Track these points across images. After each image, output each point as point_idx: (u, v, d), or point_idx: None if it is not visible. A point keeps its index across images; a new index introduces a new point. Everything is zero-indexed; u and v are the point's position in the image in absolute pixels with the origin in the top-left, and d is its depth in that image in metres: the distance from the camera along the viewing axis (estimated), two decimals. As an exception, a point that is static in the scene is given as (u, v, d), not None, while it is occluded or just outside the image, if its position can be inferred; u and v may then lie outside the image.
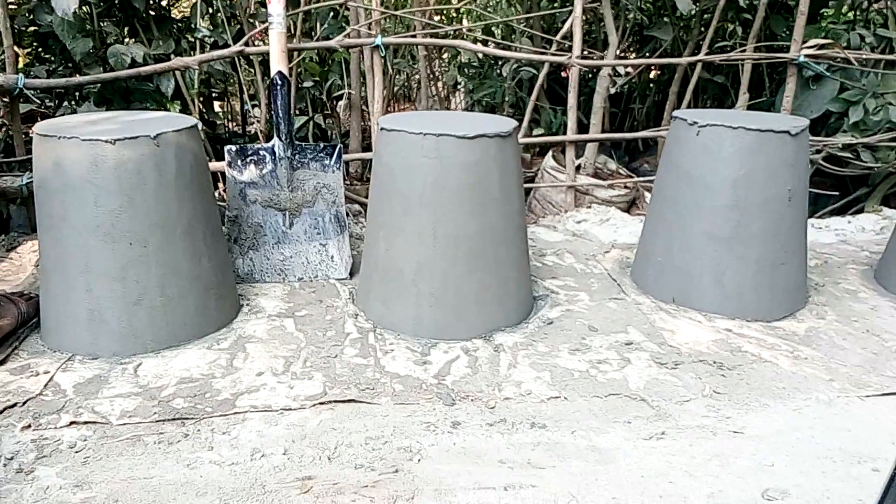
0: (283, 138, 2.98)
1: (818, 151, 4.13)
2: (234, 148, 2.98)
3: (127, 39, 3.94)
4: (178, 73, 3.76)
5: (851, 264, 3.35)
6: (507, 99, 4.67)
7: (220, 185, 3.76)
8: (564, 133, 4.07)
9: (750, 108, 4.39)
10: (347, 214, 3.55)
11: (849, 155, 4.09)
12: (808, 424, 2.02)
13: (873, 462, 1.86)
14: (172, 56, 3.68)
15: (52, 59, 3.89)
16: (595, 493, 1.71)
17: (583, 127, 4.33)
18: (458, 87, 5.36)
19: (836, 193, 4.30)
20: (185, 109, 3.88)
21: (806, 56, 3.95)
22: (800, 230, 2.75)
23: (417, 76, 4.61)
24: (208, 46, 3.98)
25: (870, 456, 1.89)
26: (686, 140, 2.73)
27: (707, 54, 4.16)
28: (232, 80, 4.84)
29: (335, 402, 2.05)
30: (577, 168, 4.15)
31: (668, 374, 2.26)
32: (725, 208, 2.63)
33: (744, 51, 4.15)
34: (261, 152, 3.00)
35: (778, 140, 2.57)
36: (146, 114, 2.62)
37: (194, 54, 3.72)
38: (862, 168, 4.14)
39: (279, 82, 2.97)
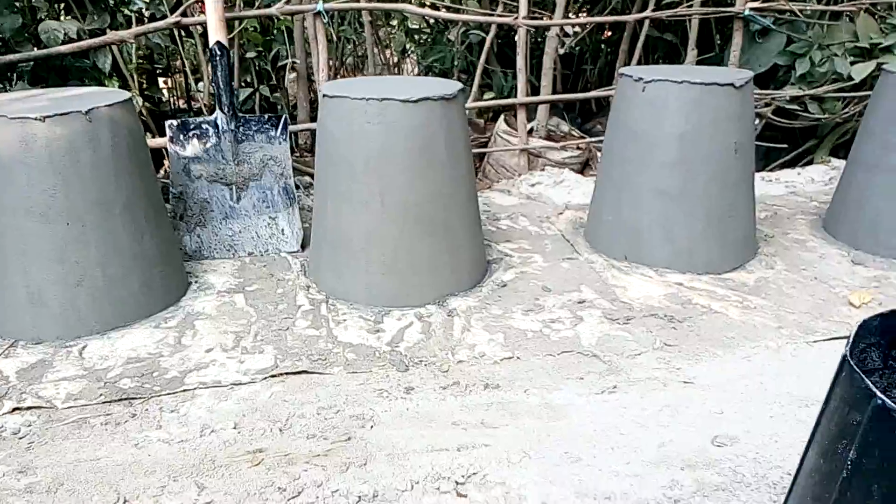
0: (226, 110, 2.91)
1: (767, 105, 4.17)
2: (175, 122, 2.90)
3: (60, 15, 3.80)
4: (115, 48, 3.64)
5: (800, 215, 3.40)
6: (456, 64, 4.62)
7: (166, 162, 3.67)
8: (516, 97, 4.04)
9: (699, 64, 4.40)
10: (297, 187, 3.49)
11: (797, 107, 4.13)
12: (757, 372, 2.06)
13: (819, 405, 1.89)
14: (108, 31, 3.55)
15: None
16: (547, 448, 1.71)
17: (535, 90, 4.30)
18: (408, 53, 5.28)
19: (786, 146, 4.35)
20: (124, 86, 3.76)
21: (752, 10, 3.96)
22: (747, 182, 2.78)
23: (365, 44, 4.53)
24: (146, 19, 3.86)
25: (817, 399, 1.92)
26: (632, 97, 2.72)
27: (654, 10, 4.14)
28: (175, 55, 4.72)
29: (286, 374, 2.03)
30: (530, 131, 4.14)
31: (620, 330, 2.27)
32: (672, 164, 2.64)
33: (690, 6, 4.15)
34: (203, 126, 2.92)
35: (722, 93, 2.58)
36: (78, 89, 2.53)
37: (131, 28, 3.60)
38: (810, 120, 4.19)
39: (218, 53, 2.89)
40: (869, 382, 0.74)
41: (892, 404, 0.73)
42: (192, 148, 2.91)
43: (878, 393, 0.74)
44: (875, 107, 2.98)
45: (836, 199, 3.16)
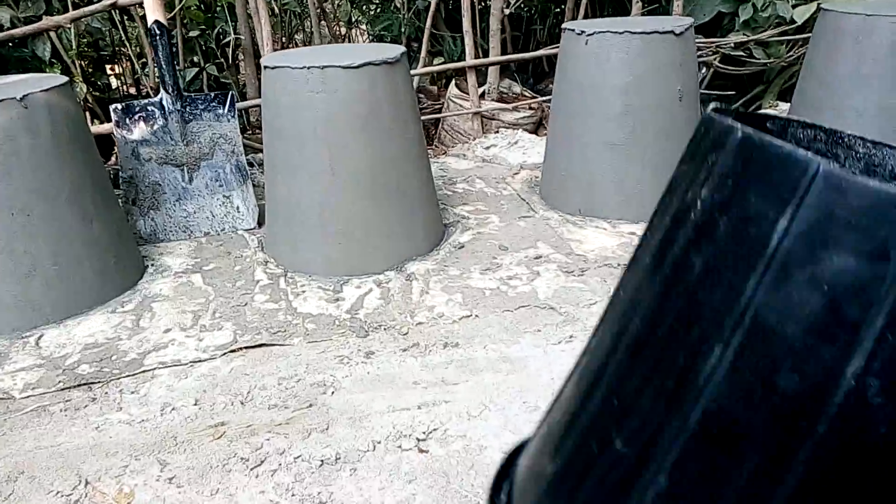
0: (171, 91, 2.87)
1: (714, 54, 4.20)
2: (119, 106, 2.85)
3: (-7, 4, 3.69)
4: (54, 35, 3.56)
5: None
6: (404, 31, 4.58)
7: (116, 147, 3.61)
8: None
9: (644, 16, 4.41)
10: (251, 164, 3.47)
11: (742, 54, 4.17)
12: (709, 312, 2.10)
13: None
14: (44, 17, 3.47)
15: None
16: (506, 399, 1.75)
17: (485, 53, 4.29)
18: (355, 24, 5.22)
19: (734, 93, 4.40)
20: (66, 73, 3.68)
21: (693, -41, 3.98)
22: (693, 128, 2.81)
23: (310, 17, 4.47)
24: (83, 4, 3.77)
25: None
26: (576, 51, 2.73)
27: (598, -34, 4.14)
28: (119, 40, 4.61)
29: (246, 348, 2.03)
30: (482, 95, 4.13)
31: (576, 282, 2.31)
32: (619, 115, 2.66)
33: (634, -41, 4.15)
34: (149, 108, 2.88)
35: (663, 41, 2.60)
36: (13, 77, 2.47)
37: (67, 13, 3.51)
38: (756, 66, 4.23)
39: (157, 32, 2.84)
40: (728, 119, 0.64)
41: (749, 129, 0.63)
42: (139, 131, 2.87)
43: (736, 123, 0.63)
44: (816, 47, 3.02)
45: (784, 141, 3.21)
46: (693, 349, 0.63)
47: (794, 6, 3.97)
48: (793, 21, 3.96)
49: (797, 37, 4.06)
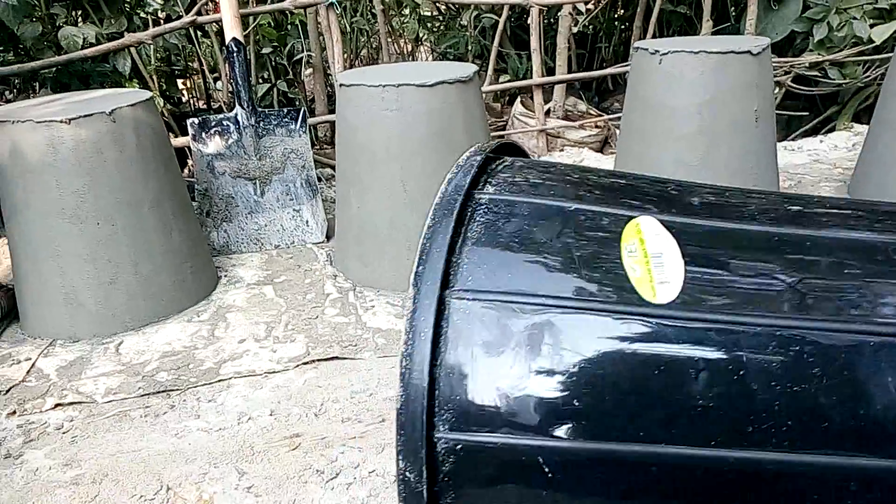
0: (245, 106, 2.94)
1: (786, 73, 4.12)
2: (196, 120, 2.94)
3: (78, 21, 3.85)
4: (133, 51, 3.69)
5: (825, 182, 3.37)
6: (470, 48, 4.62)
7: (190, 160, 3.72)
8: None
9: (714, 35, 4.36)
10: (319, 179, 3.53)
11: (816, 73, 4.08)
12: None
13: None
14: (125, 34, 3.60)
15: (1, 47, 3.80)
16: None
17: (550, 71, 4.29)
18: (422, 41, 5.29)
19: (807, 114, 4.30)
20: (144, 87, 3.81)
21: (766, -23, 3.92)
22: (769, 151, 2.76)
23: (379, 34, 4.55)
24: (162, 21, 3.91)
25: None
26: (649, 70, 2.71)
27: (668, -16, 4.12)
28: (192, 56, 4.77)
29: (319, 360, 2.06)
30: (547, 112, 4.13)
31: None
32: (693, 135, 2.62)
33: (704, -23, 4.11)
34: (224, 122, 2.95)
35: (740, 61, 2.56)
36: (100, 91, 2.57)
37: (148, 30, 3.64)
38: (831, 86, 4.14)
39: (234, 49, 2.92)
40: None
41: None
42: (215, 145, 2.95)
43: None
44: (897, 67, 2.93)
45: (861, 163, 3.13)
46: None
47: (871, 25, 3.87)
48: (870, 41, 3.86)
49: (875, 57, 3.96)
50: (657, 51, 2.64)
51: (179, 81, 5.36)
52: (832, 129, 4.33)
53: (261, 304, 2.42)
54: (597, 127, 4.10)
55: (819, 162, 3.69)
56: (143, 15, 3.91)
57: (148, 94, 2.40)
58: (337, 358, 2.06)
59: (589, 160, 3.81)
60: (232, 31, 2.91)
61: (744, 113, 2.62)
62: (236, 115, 2.95)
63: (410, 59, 5.42)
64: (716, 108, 2.59)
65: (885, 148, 2.94)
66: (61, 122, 2.12)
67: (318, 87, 4.14)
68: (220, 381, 1.99)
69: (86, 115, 2.15)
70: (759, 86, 2.63)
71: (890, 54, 3.55)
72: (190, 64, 5.26)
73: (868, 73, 4.05)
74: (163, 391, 1.96)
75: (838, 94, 4.31)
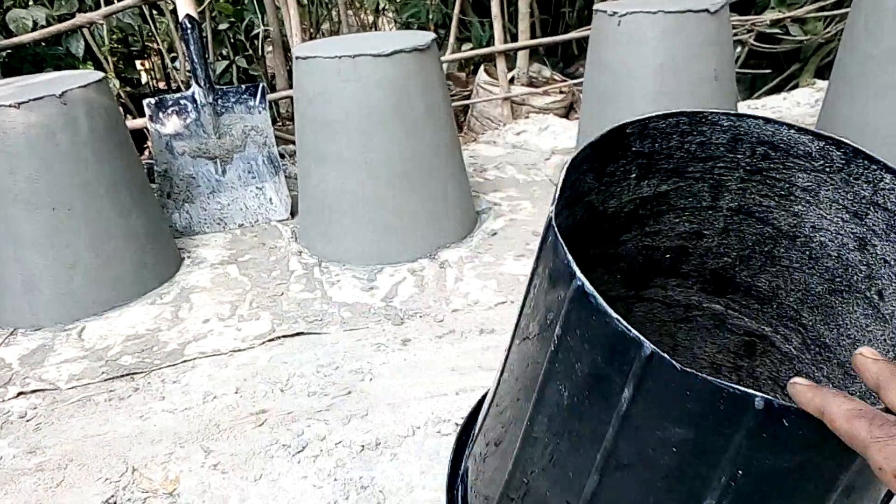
0: (203, 84, 2.89)
1: (748, 32, 4.13)
2: (152, 101, 2.88)
3: (28, 3, 3.76)
4: (87, 32, 3.61)
5: (787, 139, 3.38)
6: (432, 17, 4.56)
7: (150, 141, 3.66)
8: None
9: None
10: (283, 155, 3.49)
11: (778, 31, 4.09)
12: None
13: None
14: (77, 14, 3.52)
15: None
16: (545, 385, 1.74)
17: (514, 38, 4.26)
18: (382, 12, 5.22)
19: (771, 72, 4.32)
20: (99, 69, 3.73)
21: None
22: (730, 109, 2.76)
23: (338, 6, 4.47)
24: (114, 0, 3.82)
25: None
26: (608, 32, 2.70)
27: (627, -54, 4.08)
28: (150, 36, 4.67)
29: (284, 337, 2.05)
30: (511, 80, 4.11)
31: (612, 266, 2.29)
32: (654, 95, 2.63)
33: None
34: (181, 102, 2.90)
35: (698, 20, 2.55)
36: (52, 74, 2.51)
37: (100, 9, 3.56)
38: (793, 43, 4.15)
39: (188, 26, 2.86)
40: (571, 260, 0.71)
41: (591, 288, 0.69)
42: (173, 125, 2.90)
43: (578, 273, 0.70)
44: (854, 21, 2.95)
45: (821, 119, 3.15)
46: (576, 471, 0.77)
47: (830, -20, 3.88)
48: (830, -4, 3.88)
49: (835, 12, 3.97)
50: (616, 12, 2.63)
51: (138, 62, 5.26)
52: (796, 86, 4.36)
53: (225, 283, 2.40)
54: (561, 93, 4.08)
55: (783, 119, 3.70)
56: (94, -5, 3.82)
57: (100, 74, 2.35)
58: (302, 333, 2.06)
59: (554, 126, 3.81)
60: (185, 7, 2.85)
61: (704, 71, 2.62)
62: (193, 93, 2.90)
63: (372, 30, 5.35)
64: (675, 67, 2.59)
65: (844, 102, 2.97)
66: (10, 106, 2.06)
67: (278, 62, 4.07)
68: (184, 361, 1.97)
69: (36, 99, 2.09)
70: (717, 44, 2.63)
71: (848, 9, 3.56)
72: (148, 44, 5.16)
73: (829, 29, 4.07)
74: (127, 374, 1.94)
75: (800, 51, 4.33)
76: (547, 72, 4.40)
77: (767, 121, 0.96)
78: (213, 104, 2.91)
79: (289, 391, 1.80)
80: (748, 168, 1.03)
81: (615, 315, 0.67)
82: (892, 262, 0.87)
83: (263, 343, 2.02)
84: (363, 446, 1.58)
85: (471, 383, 1.78)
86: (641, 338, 0.65)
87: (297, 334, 2.05)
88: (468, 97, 4.33)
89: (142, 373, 1.94)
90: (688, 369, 0.65)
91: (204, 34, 3.84)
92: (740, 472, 0.69)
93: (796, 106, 3.89)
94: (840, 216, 0.97)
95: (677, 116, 0.99)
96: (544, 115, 3.93)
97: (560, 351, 0.78)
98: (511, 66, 4.16)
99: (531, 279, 0.87)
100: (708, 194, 1.08)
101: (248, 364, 1.93)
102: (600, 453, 0.75)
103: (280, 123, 4.06)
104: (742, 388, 0.63)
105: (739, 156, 1.02)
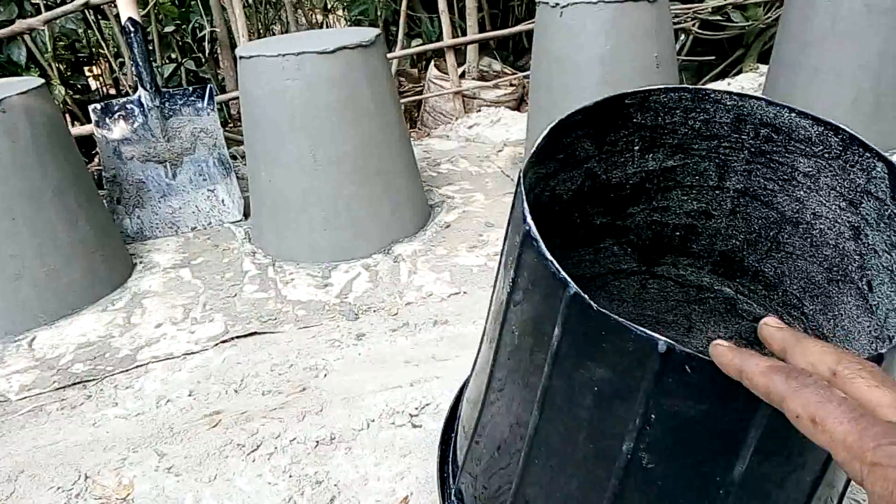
0: (149, 87, 2.86)
1: (693, 19, 4.20)
2: (98, 106, 2.85)
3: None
4: (29, 39, 3.54)
5: (732, 123, 3.46)
6: (380, 13, 4.57)
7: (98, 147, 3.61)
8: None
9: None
10: (234, 157, 3.47)
11: (720, 18, 4.17)
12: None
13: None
14: (17, 21, 3.45)
15: None
16: (496, 372, 1.77)
17: (464, 32, 4.28)
18: (332, 10, 5.20)
19: (714, 58, 4.40)
20: (44, 76, 3.67)
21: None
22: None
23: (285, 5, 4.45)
24: (56, 5, 3.75)
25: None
26: (551, 24, 2.73)
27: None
28: (95, 41, 4.60)
29: (237, 337, 2.05)
30: (462, 74, 4.13)
31: (562, 253, 2.32)
32: (597, 85, 2.66)
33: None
34: (128, 106, 2.87)
35: (638, 9, 2.60)
36: (-11, 82, 2.47)
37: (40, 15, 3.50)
38: (735, 29, 4.23)
39: (131, 29, 2.83)
40: (526, 207, 0.76)
41: (535, 233, 0.76)
42: (120, 130, 2.87)
43: (529, 218, 0.77)
44: (790, 7, 3.02)
45: (764, 102, 3.22)
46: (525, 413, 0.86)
47: (768, -33, 3.97)
48: (768, -18, 3.97)
49: (774, -2, 4.07)
50: (557, 3, 2.66)
51: (86, 69, 5.17)
52: (740, 72, 4.45)
53: (178, 287, 2.38)
54: (511, 85, 4.11)
55: (727, 104, 3.78)
56: (34, 1, 3.74)
57: (40, 81, 2.31)
58: (256, 333, 2.06)
59: (506, 119, 3.84)
60: (127, 10, 2.82)
61: (646, 60, 2.67)
62: (139, 97, 2.87)
63: (320, 28, 5.33)
64: (618, 56, 2.63)
65: (782, 86, 3.05)
66: (-55, 115, 2.03)
67: (226, 64, 4.04)
68: (137, 367, 1.96)
69: (-29, 107, 2.06)
70: (658, 32, 2.68)
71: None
72: (97, 50, 5.08)
73: (769, 14, 4.16)
74: (79, 382, 1.92)
75: (743, 37, 4.42)
76: (497, 65, 4.43)
77: (770, 102, 1.01)
78: (160, 107, 2.88)
79: (243, 391, 1.81)
80: (752, 150, 1.07)
81: (549, 256, 0.73)
82: (881, 253, 0.88)
83: (217, 345, 2.02)
84: (318, 442, 1.59)
85: (424, 374, 1.80)
86: (567, 278, 0.71)
87: (251, 334, 2.05)
88: (421, 93, 4.34)
89: (94, 380, 1.92)
90: (603, 310, 0.71)
91: (149, 37, 3.80)
92: (653, 416, 0.74)
93: (740, 90, 3.97)
94: (838, 204, 0.99)
95: (679, 91, 1.04)
96: (496, 108, 3.96)
97: (513, 292, 0.84)
98: (461, 60, 4.19)
99: (505, 236, 0.92)
100: (714, 174, 1.12)
101: (201, 366, 1.93)
102: (539, 390, 0.81)
103: (231, 125, 4.03)
104: (647, 331, 0.69)
105: (744, 136, 1.06)
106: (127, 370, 1.95)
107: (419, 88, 4.40)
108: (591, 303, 0.72)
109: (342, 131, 2.35)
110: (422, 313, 2.09)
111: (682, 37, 4.27)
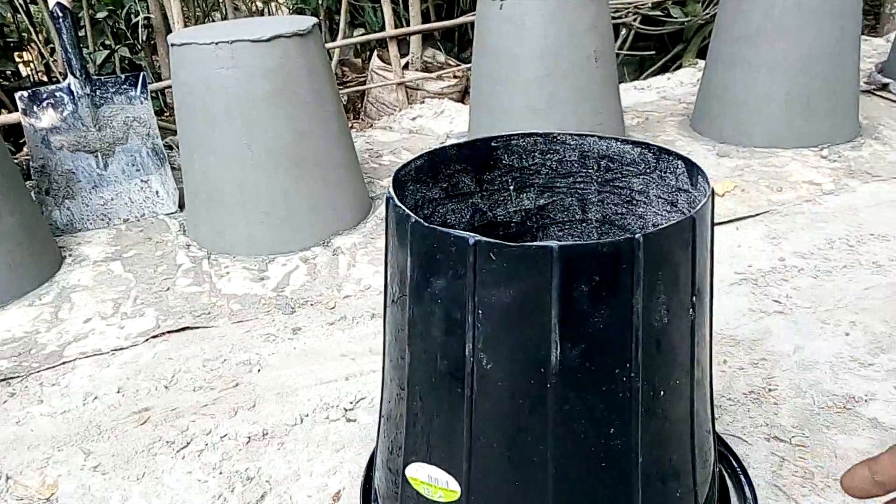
0: (78, 74, 2.77)
1: (633, 15, 4.26)
2: (25, 94, 2.75)
3: None
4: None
5: (670, 117, 3.53)
6: (322, 2, 4.51)
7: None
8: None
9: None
10: (170, 147, 3.39)
11: (660, 13, 4.23)
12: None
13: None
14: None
15: None
16: (432, 365, 1.77)
17: (406, 23, 4.26)
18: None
19: (654, 53, 4.47)
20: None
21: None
22: (611, 90, 2.86)
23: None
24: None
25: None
26: (491, 17, 2.74)
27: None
28: (25, 27, 4.43)
29: (169, 332, 2.00)
30: (406, 65, 4.11)
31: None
32: (537, 79, 2.68)
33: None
34: (57, 94, 2.77)
35: (577, 4, 2.62)
36: None
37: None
38: (675, 24, 4.31)
39: (59, 14, 2.73)
40: (404, 207, 0.96)
41: (392, 192, 0.99)
42: (49, 118, 2.77)
43: (412, 214, 0.95)
44: (726, 3, 3.08)
45: (700, 97, 3.29)
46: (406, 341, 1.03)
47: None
48: (706, -22, 4.04)
49: (711, -6, 4.15)
50: (497, -4, 2.67)
51: (16, 55, 4.98)
52: (680, 67, 4.53)
53: (108, 281, 2.32)
54: (455, 77, 4.11)
55: (665, 99, 3.85)
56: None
57: (-41, 66, 2.22)
58: (189, 328, 2.01)
59: (449, 110, 3.83)
60: (54, -6, 2.72)
61: (584, 54, 2.69)
62: (69, 84, 2.78)
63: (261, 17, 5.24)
64: (557, 50, 2.65)
65: (720, 81, 3.11)
66: None
67: (162, 51, 3.94)
68: (64, 363, 1.90)
69: None
70: (597, 27, 2.71)
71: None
72: (28, 35, 4.90)
73: (707, 10, 4.24)
74: (3, 380, 1.86)
75: (682, 33, 4.50)
76: (441, 56, 4.42)
77: (601, 137, 1.25)
78: (90, 95, 2.79)
79: (174, 387, 1.77)
80: (599, 180, 1.30)
81: (399, 203, 0.97)
82: None
83: (147, 340, 1.97)
84: (249, 438, 1.57)
85: (360, 368, 1.78)
86: (410, 213, 0.93)
87: (184, 329, 2.01)
88: (364, 83, 4.31)
89: (19, 377, 1.86)
90: (432, 225, 0.90)
91: (81, 23, 3.68)
92: (480, 312, 0.91)
93: (679, 86, 4.04)
94: (665, 209, 1.19)
95: (533, 136, 1.28)
96: (439, 100, 3.95)
97: (387, 254, 1.06)
98: (405, 51, 4.16)
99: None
100: (578, 208, 1.34)
101: (130, 362, 1.88)
102: (406, 329, 1.01)
103: (167, 114, 3.93)
104: (461, 231, 0.88)
105: (590, 170, 1.28)
106: (53, 367, 1.89)
107: (363, 79, 4.37)
108: (423, 221, 0.92)
109: (278, 122, 2.32)
110: (360, 306, 2.08)
111: (623, 31, 4.33)
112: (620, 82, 3.97)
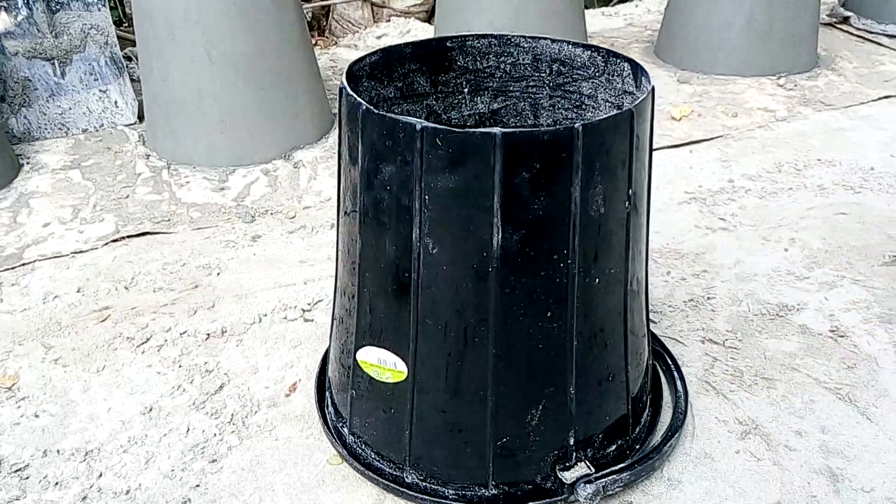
0: (32, -23, 2.68)
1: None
2: (-25, -5, 2.66)
3: None
4: None
5: (635, 43, 3.54)
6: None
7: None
8: (353, -54, 3.90)
9: None
10: (129, 58, 3.31)
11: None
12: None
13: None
14: None
15: None
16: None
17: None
18: None
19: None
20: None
21: None
22: (578, 15, 2.86)
23: None
24: None
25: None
26: (458, -69, 2.70)
27: None
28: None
29: (129, 237, 2.02)
30: (373, -18, 4.03)
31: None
32: (502, 1, 2.67)
33: None
34: (9, -3, 2.69)
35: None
36: None
37: None
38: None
39: (10, -88, 2.63)
40: (355, 95, 1.02)
41: (345, 83, 1.04)
42: (2, 23, 2.69)
43: (346, 80, 1.04)
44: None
45: (664, 24, 3.30)
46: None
47: None
48: None
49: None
50: None
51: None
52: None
53: (67, 188, 2.31)
54: (423, -4, 4.05)
55: (632, 25, 3.85)
56: None
57: None
58: (148, 233, 2.03)
59: (416, 30, 3.80)
60: None
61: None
62: (22, -13, 2.69)
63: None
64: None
65: (683, 7, 3.12)
66: None
67: (122, -40, 3.81)
68: (23, 264, 1.92)
69: None
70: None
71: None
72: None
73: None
74: (-40, 280, 1.87)
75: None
76: (409, -25, 4.33)
77: (554, 40, 1.27)
78: (45, 0, 2.71)
79: (133, 288, 1.80)
80: (551, 84, 1.32)
81: (353, 93, 1.02)
82: None
83: (107, 244, 1.99)
84: (209, 335, 1.62)
85: (320, 273, 1.83)
86: (361, 101, 0.99)
87: (143, 234, 2.03)
88: None
89: (-24, 278, 1.87)
90: (381, 111, 0.95)
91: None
92: (427, 197, 0.96)
93: (647, 13, 4.04)
94: (611, 112, 1.22)
95: (488, 38, 1.30)
96: (406, 19, 3.90)
97: (340, 146, 1.12)
98: (372, -32, 4.08)
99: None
100: (530, 112, 1.38)
101: (90, 265, 1.90)
102: (358, 216, 1.08)
103: (126, 25, 3.83)
104: (409, 118, 0.92)
105: (542, 74, 1.31)
106: (13, 268, 1.90)
107: (328, -4, 4.27)
108: (372, 108, 0.96)
109: (239, 30, 2.29)
110: (320, 217, 2.11)
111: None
112: (589, 7, 3.96)
